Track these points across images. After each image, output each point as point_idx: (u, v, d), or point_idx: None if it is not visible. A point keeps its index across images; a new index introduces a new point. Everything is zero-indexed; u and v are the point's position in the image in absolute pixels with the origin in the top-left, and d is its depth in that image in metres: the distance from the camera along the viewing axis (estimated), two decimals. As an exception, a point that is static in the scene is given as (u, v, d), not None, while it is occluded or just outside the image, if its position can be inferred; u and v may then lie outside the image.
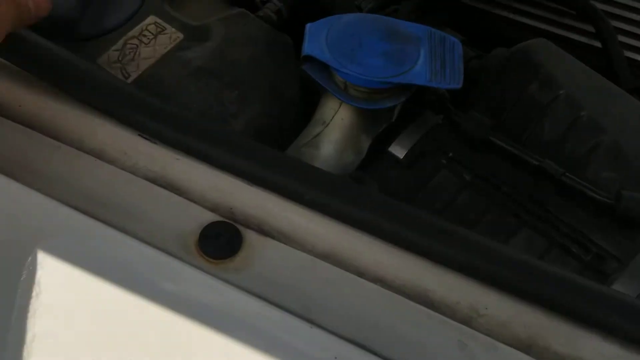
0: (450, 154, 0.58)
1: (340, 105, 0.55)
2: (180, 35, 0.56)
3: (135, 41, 0.55)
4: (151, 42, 0.55)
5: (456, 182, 0.58)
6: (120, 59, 0.54)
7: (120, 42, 0.55)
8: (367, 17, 0.54)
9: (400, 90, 0.53)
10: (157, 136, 0.47)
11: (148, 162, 0.48)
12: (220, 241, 0.44)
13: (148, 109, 0.47)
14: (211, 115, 0.52)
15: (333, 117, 0.55)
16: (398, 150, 0.58)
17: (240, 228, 0.45)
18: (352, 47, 0.51)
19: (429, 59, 0.52)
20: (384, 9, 0.69)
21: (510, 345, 0.40)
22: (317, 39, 0.52)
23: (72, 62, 0.50)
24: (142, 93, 0.49)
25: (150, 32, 0.56)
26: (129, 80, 0.53)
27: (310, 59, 0.52)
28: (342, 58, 0.51)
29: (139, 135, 0.48)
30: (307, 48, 0.52)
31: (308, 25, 0.54)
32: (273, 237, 0.46)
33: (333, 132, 0.55)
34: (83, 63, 0.50)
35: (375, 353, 0.39)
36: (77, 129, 0.49)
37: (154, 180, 0.47)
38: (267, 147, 0.48)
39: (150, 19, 0.57)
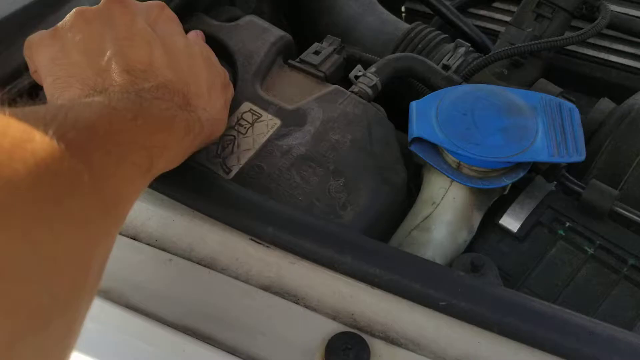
0: (568, 224, 0.53)
1: (450, 184, 0.52)
2: (278, 122, 0.54)
3: (233, 132, 0.53)
4: (248, 132, 0.53)
5: (577, 254, 0.53)
6: (219, 152, 0.52)
7: (217, 133, 0.53)
8: (476, 89, 0.51)
9: (518, 166, 0.49)
10: (270, 240, 0.44)
11: (262, 268, 0.45)
12: (348, 356, 0.41)
13: (258, 210, 0.45)
14: (319, 208, 0.49)
15: (443, 196, 0.51)
16: (510, 223, 0.54)
17: (366, 337, 0.42)
18: (467, 126, 0.48)
19: (548, 131, 0.48)
20: (472, 63, 0.65)
21: None
22: (425, 118, 0.49)
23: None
24: (249, 192, 0.47)
25: (246, 120, 0.54)
26: (231, 175, 0.51)
27: (418, 139, 0.49)
28: (457, 139, 0.47)
29: (251, 239, 0.46)
30: (417, 130, 0.49)
31: (414, 104, 0.51)
32: (401, 346, 0.43)
33: (445, 213, 0.51)
34: (183, 164, 0.49)
35: None
36: (185, 236, 0.47)
37: (268, 288, 0.45)
38: (384, 245, 0.45)
39: (245, 106, 0.55)
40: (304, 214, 0.45)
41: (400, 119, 0.61)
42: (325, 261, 0.42)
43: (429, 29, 0.67)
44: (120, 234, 0.47)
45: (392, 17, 0.71)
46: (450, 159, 0.50)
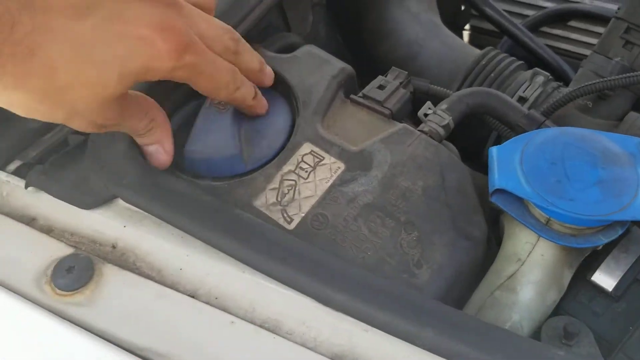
0: (671, 281, 0.48)
1: (538, 239, 0.46)
2: (342, 165, 0.50)
3: (293, 176, 0.50)
4: (310, 176, 0.50)
5: (683, 314, 0.47)
6: (279, 199, 0.49)
7: (277, 178, 0.50)
8: (564, 134, 0.45)
9: (616, 222, 0.44)
10: (341, 308, 0.41)
11: (332, 334, 0.42)
12: None
13: (326, 272, 0.41)
14: (390, 265, 0.45)
15: (530, 253, 0.46)
16: (604, 280, 0.48)
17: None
18: (557, 178, 0.43)
19: (651, 183, 0.43)
20: (551, 94, 0.60)
21: None
22: (508, 167, 0.44)
23: (229, 216, 0.46)
24: (316, 250, 0.44)
25: (307, 163, 0.50)
26: (292, 225, 0.47)
27: (501, 190, 0.44)
28: (547, 192, 0.42)
29: (317, 301, 0.42)
30: (499, 181, 0.44)
31: (495, 150, 0.46)
32: None
33: (532, 272, 0.46)
34: (244, 217, 0.46)
35: None
36: (247, 294, 0.44)
37: (339, 357, 0.41)
38: (470, 317, 0.41)
39: (306, 147, 0.51)
40: (379, 279, 0.41)
41: (468, 150, 0.56)
42: (404, 335, 0.38)
43: (502, 55, 0.62)
44: (178, 290, 0.45)
45: (458, 41, 0.66)
46: (538, 213, 0.44)
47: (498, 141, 0.61)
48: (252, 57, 0.49)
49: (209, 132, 0.50)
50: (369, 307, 0.39)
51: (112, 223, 0.47)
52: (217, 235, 0.44)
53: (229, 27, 0.46)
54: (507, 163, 0.45)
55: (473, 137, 0.63)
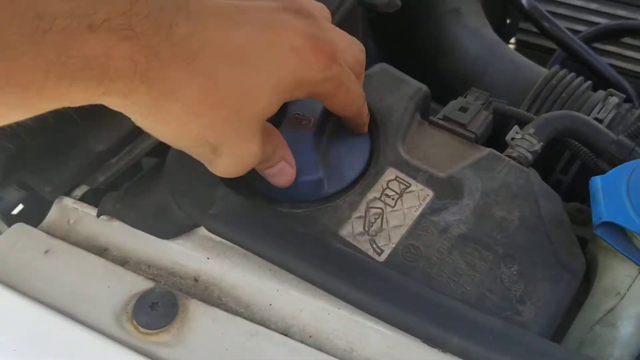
0: None
1: (639, 273, 0.45)
2: (430, 193, 0.48)
3: (380, 204, 0.47)
4: (397, 204, 0.47)
5: None
6: (366, 228, 0.46)
7: (362, 205, 0.47)
8: (671, 162, 0.44)
9: None
10: (457, 351, 0.38)
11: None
12: None
13: (433, 310, 0.39)
14: (492, 302, 0.43)
15: (630, 286, 0.45)
16: None
17: None
18: (670, 211, 0.41)
19: None
20: (626, 115, 0.58)
21: None
22: (614, 197, 0.43)
23: (321, 246, 0.43)
24: (418, 285, 0.41)
25: (393, 190, 0.48)
26: (383, 257, 0.45)
27: (607, 223, 0.43)
28: (660, 227, 0.41)
29: (425, 342, 0.40)
30: (606, 213, 0.42)
31: (599, 180, 0.44)
32: None
33: (633, 306, 0.44)
34: (336, 247, 0.43)
35: None
36: (344, 333, 0.41)
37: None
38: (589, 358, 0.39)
39: (390, 172, 0.49)
40: (492, 318, 0.39)
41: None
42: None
43: (571, 75, 0.60)
44: (269, 327, 0.42)
45: (524, 59, 0.64)
46: (645, 246, 0.43)
47: (569, 164, 0.60)
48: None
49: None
50: (487, 352, 0.37)
51: (194, 254, 0.45)
52: (310, 267, 0.41)
53: (355, 38, 0.44)
54: (613, 194, 0.43)
55: (539, 160, 0.61)
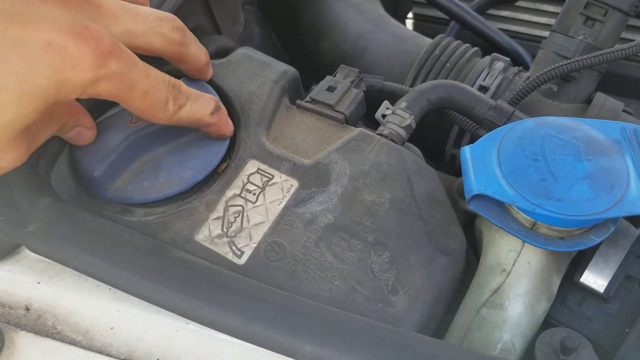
0: (664, 275, 0.43)
1: (523, 246, 0.41)
2: (295, 183, 0.43)
3: (240, 201, 0.42)
4: (259, 199, 0.42)
5: (680, 311, 0.43)
6: (225, 230, 0.41)
7: (220, 205, 0.42)
8: (542, 124, 0.40)
9: (608, 219, 0.39)
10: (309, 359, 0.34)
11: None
12: None
13: (286, 319, 0.35)
14: (362, 295, 0.38)
15: (515, 262, 0.41)
16: (594, 281, 0.43)
17: None
18: (541, 176, 0.37)
19: (640, 172, 0.38)
20: (513, 80, 0.55)
21: None
22: (485, 168, 0.39)
23: (164, 259, 0.38)
24: (270, 291, 0.37)
25: (254, 184, 0.43)
26: (243, 260, 0.40)
27: (479, 195, 0.39)
28: (532, 194, 0.37)
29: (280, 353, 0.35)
30: (477, 185, 0.38)
31: (468, 151, 0.40)
32: None
33: (519, 283, 0.41)
34: (183, 258, 0.38)
35: None
36: (195, 353, 0.36)
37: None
38: (464, 351, 0.35)
39: (251, 165, 0.44)
40: (350, 317, 0.35)
41: (427, 149, 0.50)
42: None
43: (455, 43, 0.57)
44: (110, 354, 0.37)
45: (408, 31, 0.60)
46: (523, 217, 0.39)
47: (460, 136, 0.56)
48: (199, 49, 0.42)
49: (97, 141, 0.42)
50: (343, 356, 0.33)
51: (23, 279, 0.39)
52: (149, 287, 0.36)
53: (171, 15, 0.39)
54: (483, 164, 0.39)
55: (432, 133, 0.57)
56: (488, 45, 0.64)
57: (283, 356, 0.35)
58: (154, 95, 0.35)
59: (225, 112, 0.43)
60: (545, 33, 0.53)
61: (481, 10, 0.70)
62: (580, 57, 0.47)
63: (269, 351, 0.35)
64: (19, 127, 0.31)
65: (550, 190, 0.37)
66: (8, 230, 0.37)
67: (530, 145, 0.39)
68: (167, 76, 0.36)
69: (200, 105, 0.39)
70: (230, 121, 0.44)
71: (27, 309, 0.39)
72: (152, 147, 0.42)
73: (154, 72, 0.35)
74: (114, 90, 0.33)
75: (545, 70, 0.48)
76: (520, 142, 0.39)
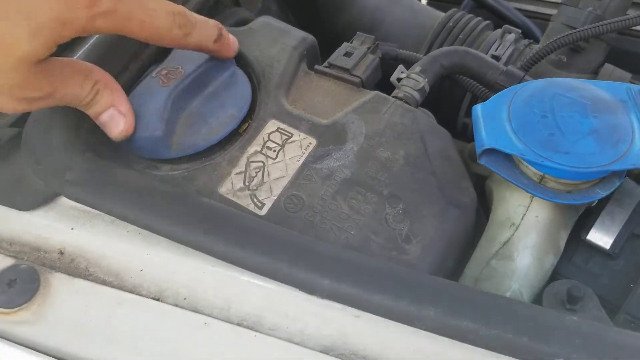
0: (668, 233, 0.45)
1: (531, 200, 0.43)
2: (313, 141, 0.45)
3: (261, 157, 0.45)
4: (279, 156, 0.45)
5: (683, 267, 0.45)
6: (247, 183, 0.44)
7: (242, 161, 0.44)
8: (551, 84, 0.42)
9: (613, 174, 0.41)
10: (328, 295, 0.36)
11: (319, 325, 0.37)
12: None
13: (306, 258, 0.37)
14: (377, 244, 0.40)
15: (524, 216, 0.43)
16: (600, 238, 0.45)
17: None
18: (550, 131, 0.39)
19: (646, 128, 0.40)
20: (524, 51, 0.57)
21: None
22: (496, 124, 0.41)
23: (190, 205, 0.40)
24: (292, 234, 0.39)
25: (275, 142, 0.45)
26: (264, 211, 0.42)
27: (489, 150, 0.41)
28: (540, 147, 0.39)
29: (301, 290, 0.37)
30: (488, 140, 0.40)
31: (479, 108, 0.42)
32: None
33: (528, 236, 0.43)
34: (209, 204, 0.40)
35: None
36: (221, 291, 0.39)
37: (330, 350, 0.36)
38: (472, 291, 0.37)
39: (272, 124, 0.46)
40: (366, 258, 0.37)
41: (440, 117, 0.52)
42: (402, 317, 0.34)
43: (468, 16, 0.59)
44: (140, 294, 0.39)
45: (422, 5, 0.62)
46: (531, 171, 0.41)
47: (473, 104, 0.58)
48: (205, 27, 0.44)
49: (140, 108, 0.44)
50: (358, 290, 0.35)
51: (57, 226, 0.41)
52: (178, 227, 0.38)
53: (180, 9, 0.41)
54: (494, 120, 0.41)
55: (445, 103, 0.59)
56: (501, 23, 0.66)
57: (302, 293, 0.37)
58: (153, 25, 0.38)
59: (229, 37, 0.46)
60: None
61: (494, -12, 0.71)
62: (589, 26, 0.49)
63: (289, 289, 0.37)
64: (30, 62, 0.34)
65: (558, 144, 0.39)
66: (48, 179, 0.40)
67: (539, 103, 0.41)
68: (169, 5, 0.39)
69: (205, 33, 0.43)
70: (233, 42, 0.46)
71: (61, 252, 0.41)
72: (188, 101, 0.45)
73: (152, 3, 0.38)
74: (111, 25, 0.36)
75: (555, 38, 0.49)
76: (530, 100, 0.41)
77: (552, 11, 0.71)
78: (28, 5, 0.33)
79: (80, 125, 0.44)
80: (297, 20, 0.71)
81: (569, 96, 0.41)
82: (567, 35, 0.49)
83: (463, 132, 0.59)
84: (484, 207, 0.49)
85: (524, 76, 0.47)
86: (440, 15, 0.60)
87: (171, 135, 0.43)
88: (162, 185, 0.41)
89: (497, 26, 0.61)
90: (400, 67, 0.48)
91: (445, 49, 0.49)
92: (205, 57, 0.46)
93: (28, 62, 0.34)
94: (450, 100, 0.58)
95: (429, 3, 0.79)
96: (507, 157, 0.42)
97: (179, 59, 0.47)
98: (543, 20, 0.69)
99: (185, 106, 0.44)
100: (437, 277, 0.36)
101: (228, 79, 0.46)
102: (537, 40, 0.64)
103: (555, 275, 0.46)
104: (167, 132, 0.43)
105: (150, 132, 0.43)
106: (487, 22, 0.59)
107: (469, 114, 0.58)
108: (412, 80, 0.47)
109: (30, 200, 0.41)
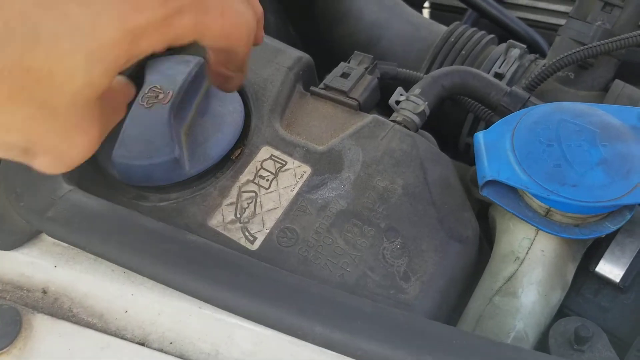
0: (681, 265, 0.43)
1: (537, 234, 0.41)
2: (307, 169, 0.43)
3: (253, 187, 0.43)
4: (272, 185, 0.43)
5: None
6: (238, 215, 0.42)
7: (234, 191, 0.43)
8: (557, 109, 0.40)
9: (624, 206, 0.38)
10: (321, 342, 0.34)
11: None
12: None
13: (298, 301, 0.35)
14: (374, 282, 0.38)
15: (529, 249, 0.41)
16: (610, 270, 0.43)
17: None
18: (556, 162, 0.37)
19: (659, 157, 0.37)
20: (529, 67, 0.54)
21: None
22: (498, 153, 0.38)
23: (178, 243, 0.38)
24: (282, 274, 0.37)
25: (268, 170, 0.43)
26: (256, 245, 0.40)
27: (492, 181, 0.38)
28: (546, 180, 0.36)
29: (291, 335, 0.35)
30: (490, 171, 0.38)
31: (481, 136, 0.40)
32: None
33: (533, 271, 0.40)
34: (197, 242, 0.38)
35: None
36: (208, 335, 0.37)
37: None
38: (475, 337, 0.34)
39: (265, 151, 0.44)
40: (361, 301, 0.35)
41: (441, 136, 0.50)
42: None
43: (471, 30, 0.56)
44: (124, 338, 0.37)
45: (423, 19, 0.60)
46: (537, 204, 0.39)
47: (475, 125, 0.55)
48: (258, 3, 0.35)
49: (141, 136, 0.41)
50: (354, 339, 0.33)
51: (40, 263, 0.40)
52: (162, 268, 0.36)
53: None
54: (497, 150, 0.39)
55: (446, 122, 0.57)
56: (505, 34, 0.63)
57: (293, 338, 0.35)
58: (233, 8, 0.30)
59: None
60: (564, 21, 0.52)
61: (499, -2, 0.69)
62: (598, 43, 0.46)
63: (280, 334, 0.35)
64: (92, 96, 0.26)
65: (564, 176, 0.36)
66: (28, 216, 0.38)
67: (544, 131, 0.38)
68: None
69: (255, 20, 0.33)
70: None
71: (44, 292, 0.39)
72: (184, 116, 0.43)
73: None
74: (190, 23, 0.27)
75: (561, 56, 0.47)
76: (534, 127, 0.39)
77: (557, 21, 0.69)
78: (82, 17, 0.24)
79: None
80: (296, 33, 0.69)
81: (576, 123, 0.39)
82: (574, 52, 0.47)
83: (465, 153, 0.57)
84: (487, 234, 0.47)
85: (529, 98, 0.45)
86: (442, 29, 0.58)
87: (180, 156, 0.41)
88: (148, 220, 0.39)
89: (501, 38, 0.59)
90: (399, 89, 0.46)
91: (446, 68, 0.46)
92: (188, 72, 0.44)
93: (83, 99, 0.26)
94: (452, 121, 0.55)
95: (431, 12, 0.76)
96: (511, 189, 0.40)
97: (155, 81, 0.44)
98: (548, 30, 0.67)
99: (181, 123, 0.43)
100: (437, 323, 0.34)
101: (220, 100, 0.45)
102: (542, 53, 0.62)
103: (562, 309, 0.43)
104: (180, 153, 0.41)
105: (167, 155, 0.40)
106: (491, 36, 0.56)
107: (471, 134, 0.56)
108: (411, 103, 0.45)
109: (11, 239, 0.39)
